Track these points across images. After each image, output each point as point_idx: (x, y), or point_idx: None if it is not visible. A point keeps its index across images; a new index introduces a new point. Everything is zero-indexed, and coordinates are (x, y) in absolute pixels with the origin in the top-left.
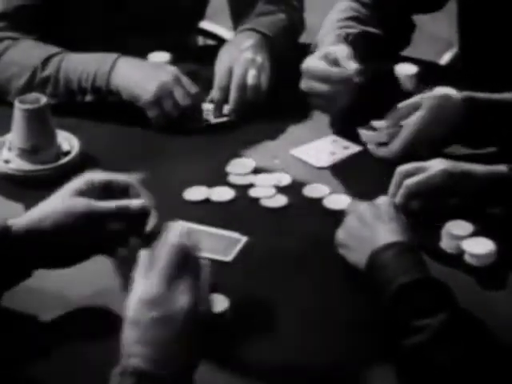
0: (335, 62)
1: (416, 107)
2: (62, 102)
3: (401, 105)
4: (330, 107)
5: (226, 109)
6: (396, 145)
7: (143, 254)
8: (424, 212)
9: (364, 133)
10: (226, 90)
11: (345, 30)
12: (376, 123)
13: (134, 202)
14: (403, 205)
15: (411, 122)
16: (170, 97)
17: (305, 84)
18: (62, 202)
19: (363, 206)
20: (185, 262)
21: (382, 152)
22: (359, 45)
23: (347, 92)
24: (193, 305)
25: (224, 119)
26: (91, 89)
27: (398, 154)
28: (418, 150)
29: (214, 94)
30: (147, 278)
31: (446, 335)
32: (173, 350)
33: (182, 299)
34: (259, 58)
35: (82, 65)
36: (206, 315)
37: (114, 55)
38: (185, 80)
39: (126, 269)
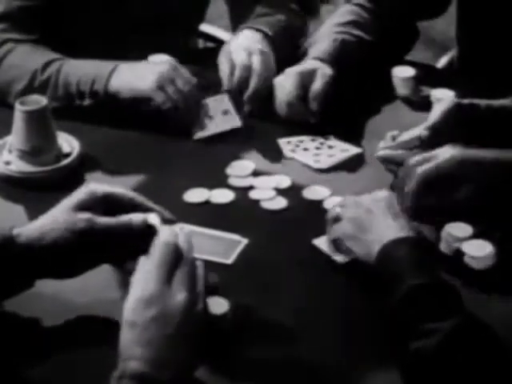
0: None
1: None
2: (61, 105)
3: (425, 131)
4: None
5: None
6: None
7: (141, 259)
8: (438, 208)
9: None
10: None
11: (341, 36)
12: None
13: (135, 218)
14: (417, 195)
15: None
16: (171, 83)
17: None
18: (62, 217)
19: (365, 198)
20: (178, 261)
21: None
22: (354, 51)
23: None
24: (189, 301)
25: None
26: (89, 93)
27: None
28: None
29: (227, 83)
30: (142, 279)
31: (458, 339)
32: (172, 349)
33: (179, 295)
34: (258, 46)
35: (81, 69)
36: (203, 313)
37: (114, 62)
38: (183, 70)
39: (129, 277)
